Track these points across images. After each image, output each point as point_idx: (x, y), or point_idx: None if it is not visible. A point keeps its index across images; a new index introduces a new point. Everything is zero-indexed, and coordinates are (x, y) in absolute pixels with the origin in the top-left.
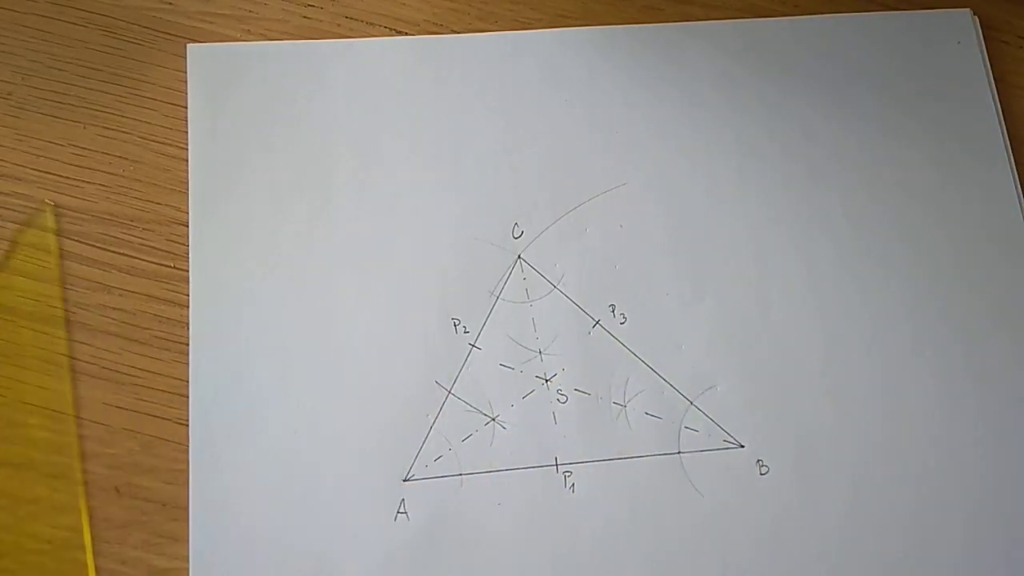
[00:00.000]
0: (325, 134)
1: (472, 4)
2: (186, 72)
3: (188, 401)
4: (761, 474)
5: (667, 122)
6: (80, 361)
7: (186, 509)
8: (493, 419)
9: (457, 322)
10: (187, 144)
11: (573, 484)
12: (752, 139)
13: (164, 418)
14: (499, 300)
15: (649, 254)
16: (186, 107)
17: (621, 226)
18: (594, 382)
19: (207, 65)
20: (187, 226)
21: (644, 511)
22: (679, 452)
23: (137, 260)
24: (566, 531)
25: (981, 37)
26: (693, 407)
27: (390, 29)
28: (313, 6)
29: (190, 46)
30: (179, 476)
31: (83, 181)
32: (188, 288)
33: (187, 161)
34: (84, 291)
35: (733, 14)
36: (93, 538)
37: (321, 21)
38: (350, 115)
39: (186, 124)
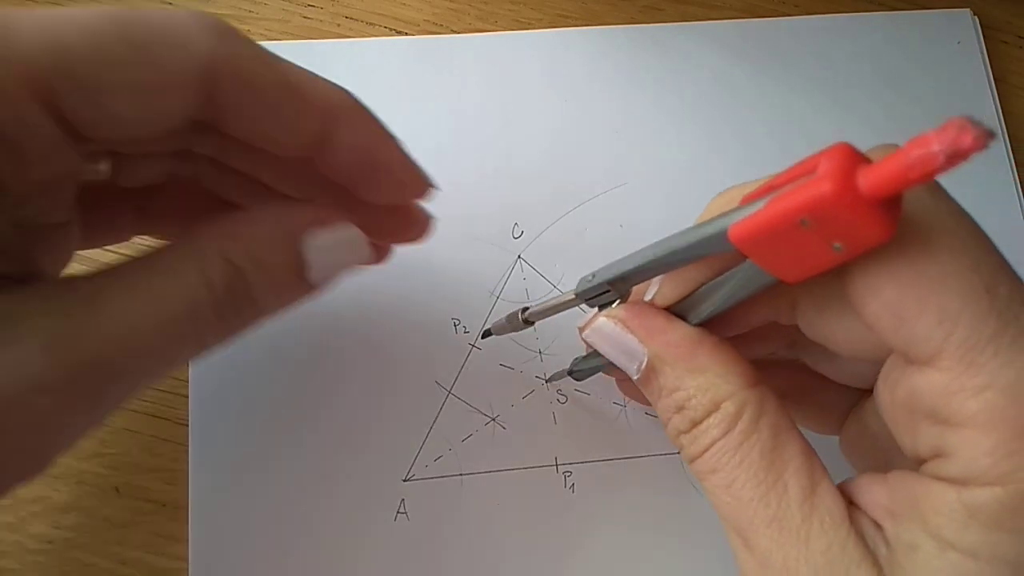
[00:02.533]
0: None
1: (472, 4)
2: None
3: (188, 401)
4: None
5: (667, 122)
6: None
7: (186, 509)
8: (493, 419)
9: (457, 322)
10: None
11: (573, 484)
12: (752, 139)
13: (164, 418)
14: (499, 300)
15: None
16: None
17: (621, 226)
18: (594, 382)
19: None
20: None
21: (644, 511)
22: (679, 452)
23: None
24: (566, 531)
25: (981, 37)
26: None
27: (390, 29)
28: (313, 6)
29: None
30: (179, 476)
31: None
32: None
33: None
34: None
35: (733, 14)
36: (93, 538)
37: (321, 21)
38: None
39: None
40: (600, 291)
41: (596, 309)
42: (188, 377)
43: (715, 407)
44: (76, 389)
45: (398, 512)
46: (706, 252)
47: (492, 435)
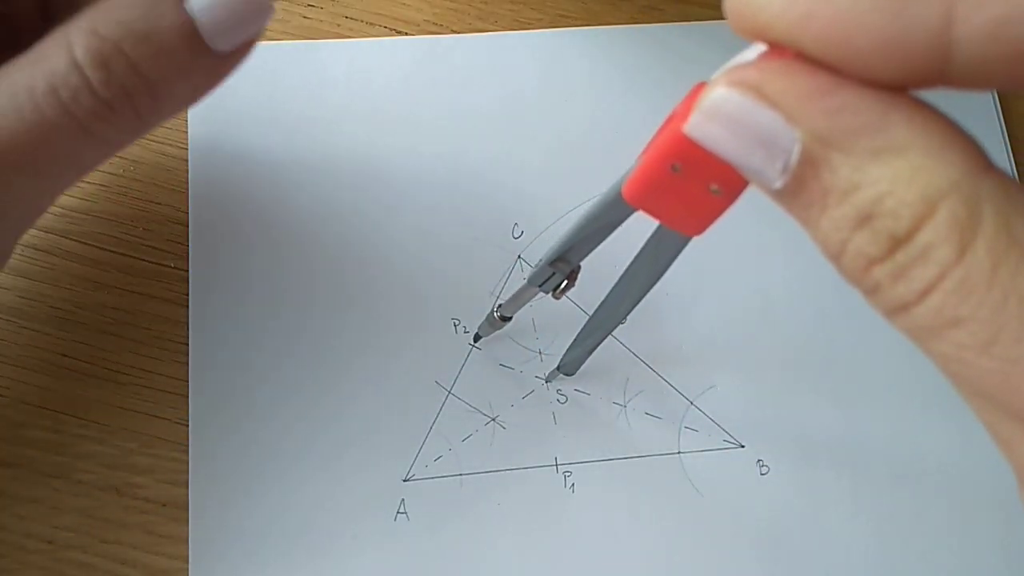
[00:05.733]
0: (325, 134)
1: (472, 4)
2: None
3: (188, 401)
4: (761, 474)
5: None
6: (80, 361)
7: (186, 509)
8: (493, 419)
9: (457, 322)
10: (187, 144)
11: (573, 484)
12: None
13: (164, 418)
14: (499, 300)
15: None
16: None
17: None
18: (594, 382)
19: None
20: (187, 226)
21: (644, 511)
22: (679, 452)
23: (137, 260)
24: (566, 531)
25: None
26: (693, 407)
27: (390, 29)
28: (313, 6)
29: None
30: (179, 476)
31: (83, 181)
32: (188, 288)
33: (187, 161)
34: (83, 291)
35: None
36: (92, 538)
37: (321, 21)
38: (350, 115)
39: (186, 124)
40: (547, 275)
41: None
42: (188, 377)
43: (930, 209)
44: None
45: (398, 512)
46: (618, 215)
47: (492, 435)
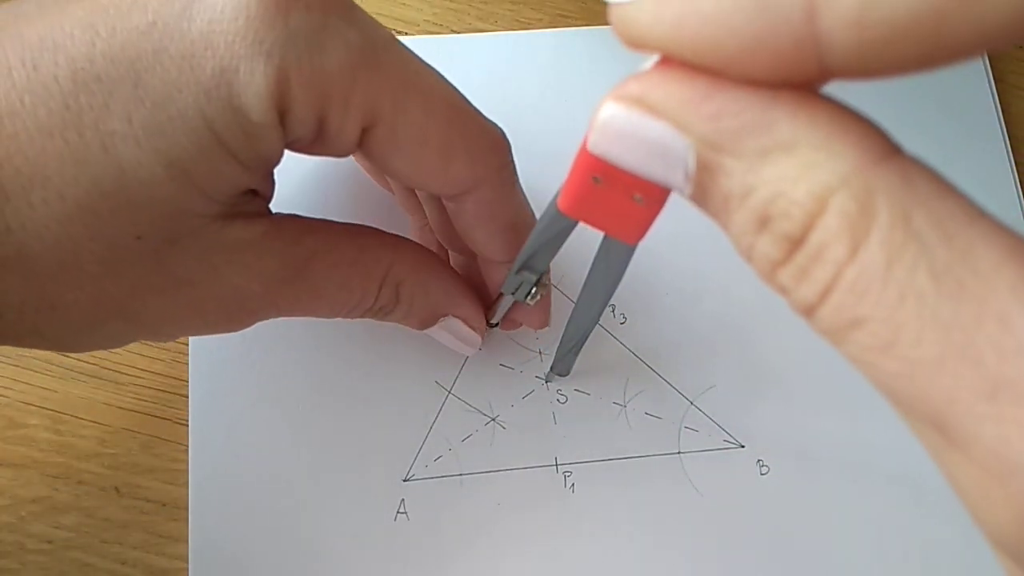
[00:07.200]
0: None
1: (472, 4)
2: None
3: (188, 401)
4: (761, 474)
5: None
6: (80, 361)
7: (186, 509)
8: (493, 419)
9: None
10: None
11: (573, 484)
12: None
13: (164, 418)
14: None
15: (649, 254)
16: None
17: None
18: (594, 382)
19: None
20: None
21: (644, 511)
22: (679, 452)
23: None
24: (566, 531)
25: None
26: (693, 407)
27: (390, 29)
28: None
29: None
30: (179, 476)
31: None
32: None
33: None
34: None
35: None
36: (93, 538)
37: None
38: None
39: None
40: (516, 283)
41: None
42: (188, 377)
43: (820, 206)
44: (256, 317)
45: (398, 512)
46: (564, 223)
47: (492, 435)
